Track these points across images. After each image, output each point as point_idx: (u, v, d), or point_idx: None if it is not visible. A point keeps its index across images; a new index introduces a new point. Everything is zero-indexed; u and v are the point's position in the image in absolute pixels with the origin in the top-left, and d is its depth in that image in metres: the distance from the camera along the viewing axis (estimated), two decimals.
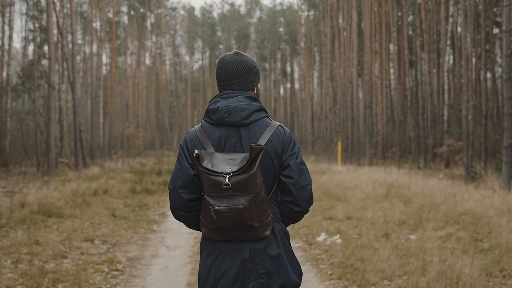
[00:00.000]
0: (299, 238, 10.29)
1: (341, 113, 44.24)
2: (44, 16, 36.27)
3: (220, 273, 2.87)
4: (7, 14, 38.07)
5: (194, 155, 2.81)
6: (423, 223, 10.81)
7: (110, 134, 50.43)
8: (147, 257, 8.79)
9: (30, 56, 40.81)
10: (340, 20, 49.17)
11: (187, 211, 2.99)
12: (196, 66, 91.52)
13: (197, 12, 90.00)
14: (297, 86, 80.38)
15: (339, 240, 9.50)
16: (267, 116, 3.06)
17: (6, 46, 37.05)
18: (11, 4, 39.06)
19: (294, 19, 71.26)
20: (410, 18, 45.24)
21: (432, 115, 36.06)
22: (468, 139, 22.73)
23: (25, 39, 41.16)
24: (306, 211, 3.05)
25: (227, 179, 2.74)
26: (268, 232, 2.88)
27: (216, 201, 2.77)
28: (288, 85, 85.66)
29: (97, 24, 50.19)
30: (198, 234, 10.46)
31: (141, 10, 64.89)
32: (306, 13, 71.74)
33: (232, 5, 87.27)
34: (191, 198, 2.95)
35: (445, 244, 8.86)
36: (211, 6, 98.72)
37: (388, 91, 45.69)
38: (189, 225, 3.09)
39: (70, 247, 9.05)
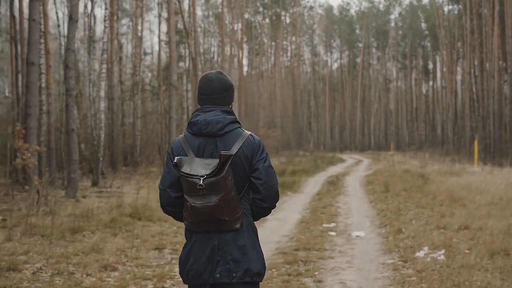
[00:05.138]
0: (396, 252, 8.68)
1: (482, 110, 41.13)
2: (180, 18, 36.65)
3: (195, 257, 3.34)
4: (140, 20, 38.91)
5: (173, 163, 3.27)
6: None
7: None
8: None
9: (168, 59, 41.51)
10: (482, 11, 45.91)
11: (175, 206, 3.45)
12: (335, 65, 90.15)
13: (335, 11, 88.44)
14: (439, 83, 76.60)
15: (442, 257, 7.82)
16: (239, 127, 3.48)
17: (148, 50, 37.82)
18: (145, 8, 39.86)
19: (435, 14, 67.75)
20: None
21: None
22: None
23: (161, 41, 41.94)
24: (273, 206, 3.50)
25: (201, 181, 3.18)
26: (238, 225, 3.32)
27: (193, 199, 3.22)
28: (430, 82, 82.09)
29: (232, 26, 50.34)
30: (274, 255, 9.20)
31: (276, 9, 64.47)
32: (448, 7, 68.16)
33: (370, 2, 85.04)
34: (177, 196, 3.41)
35: None
36: (348, 3, 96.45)
37: None
38: (176, 218, 3.55)
39: (129, 257, 8.12)
